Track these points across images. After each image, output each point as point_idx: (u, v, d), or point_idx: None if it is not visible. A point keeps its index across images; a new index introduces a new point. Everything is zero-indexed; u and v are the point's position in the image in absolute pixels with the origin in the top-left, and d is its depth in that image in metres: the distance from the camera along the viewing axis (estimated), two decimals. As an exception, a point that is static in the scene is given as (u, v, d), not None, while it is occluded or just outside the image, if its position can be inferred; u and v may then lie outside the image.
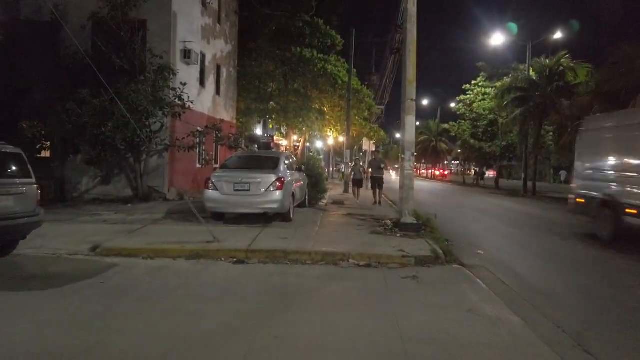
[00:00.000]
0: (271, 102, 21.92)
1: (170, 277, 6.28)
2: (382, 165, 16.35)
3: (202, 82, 17.83)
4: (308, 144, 30.98)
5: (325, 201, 15.23)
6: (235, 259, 7.29)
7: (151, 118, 12.96)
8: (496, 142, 34.02)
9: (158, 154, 14.52)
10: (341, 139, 25.38)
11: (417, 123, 76.19)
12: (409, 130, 10.02)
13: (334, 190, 22.18)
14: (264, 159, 10.99)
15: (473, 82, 36.28)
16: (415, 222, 9.57)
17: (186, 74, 15.60)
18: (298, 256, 7.34)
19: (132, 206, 13.09)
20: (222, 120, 15.54)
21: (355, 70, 23.38)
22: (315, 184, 14.39)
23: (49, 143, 14.28)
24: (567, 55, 26.51)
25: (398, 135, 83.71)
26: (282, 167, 10.39)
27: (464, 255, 8.04)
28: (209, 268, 6.84)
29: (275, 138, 29.13)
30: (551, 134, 30.09)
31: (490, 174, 49.20)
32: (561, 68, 26.64)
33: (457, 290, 5.91)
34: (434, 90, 62.08)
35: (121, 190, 14.69)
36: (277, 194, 9.66)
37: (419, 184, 42.71)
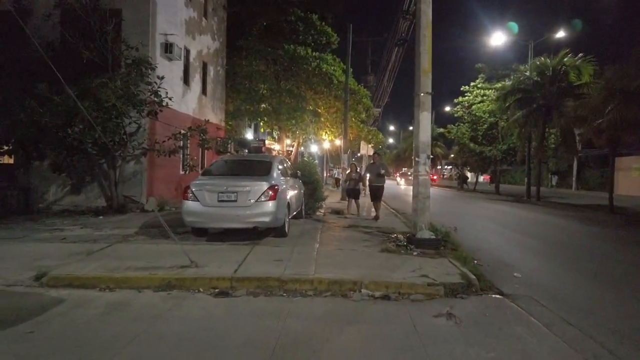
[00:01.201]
0: (262, 104, 20.39)
1: (129, 320, 4.71)
2: (383, 171, 12.77)
3: (186, 80, 16.29)
4: (302, 149, 29.48)
5: (322, 211, 13.72)
6: (217, 290, 5.75)
7: (124, 117, 11.37)
8: (497, 146, 32.74)
9: (135, 160, 12.93)
10: (337, 142, 23.92)
11: (411, 127, 74.82)
12: (424, 129, 8.55)
13: (331, 198, 20.69)
14: (254, 164, 9.44)
15: (472, 83, 35.03)
16: (434, 236, 8.09)
17: (168, 70, 14.05)
18: (297, 285, 5.81)
19: (104, 218, 11.46)
20: (207, 121, 13.94)
21: (351, 70, 22.00)
22: (313, 192, 12.88)
23: (11, 146, 12.62)
24: (569, 55, 25.38)
25: (391, 140, 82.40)
26: (275, 173, 8.86)
27: (498, 279, 6.57)
28: (183, 304, 5.28)
29: (267, 142, 27.63)
30: (553, 136, 28.93)
31: (483, 178, 47.83)
32: (564, 67, 25.48)
33: (511, 336, 4.41)
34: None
35: (93, 200, 13.06)
36: (270, 205, 8.12)
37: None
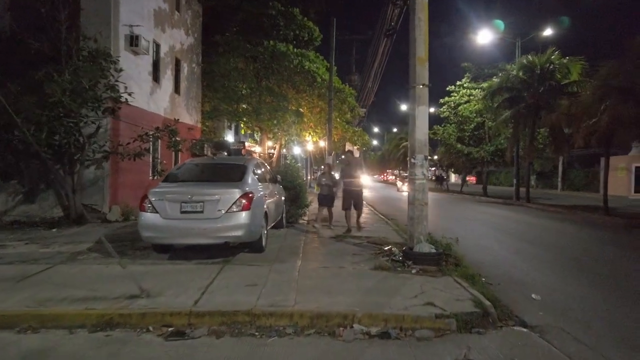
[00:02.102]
0: (242, 104, 19.14)
1: (40, 383, 3.47)
2: (358, 173, 10.63)
3: (156, 77, 14.96)
4: (284, 151, 28.25)
5: (306, 218, 12.54)
6: (170, 329, 4.54)
7: (80, 117, 10.02)
8: (484, 147, 32.01)
9: (96, 164, 11.57)
10: (322, 143, 22.77)
11: (395, 129, 73.91)
12: (420, 126, 7.46)
13: (315, 203, 19.54)
14: (226, 168, 8.20)
15: (458, 82, 34.27)
16: (434, 250, 6.98)
17: (133, 65, 12.74)
18: (272, 320, 4.63)
19: (58, 231, 10.09)
20: (177, 121, 12.62)
21: (335, 68, 20.91)
22: (295, 198, 11.70)
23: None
24: (556, 52, 24.79)
25: (375, 142, 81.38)
26: (249, 178, 7.65)
27: (515, 303, 5.50)
28: (123, 352, 4.05)
29: (247, 144, 26.35)
30: (541, 136, 28.31)
31: (469, 180, 47.24)
32: (552, 66, 24.85)
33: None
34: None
35: (49, 209, 11.64)
36: (243, 216, 6.90)
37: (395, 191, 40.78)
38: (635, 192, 32.64)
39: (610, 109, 16.60)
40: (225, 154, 18.20)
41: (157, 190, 7.09)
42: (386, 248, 8.02)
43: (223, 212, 6.83)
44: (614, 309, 5.58)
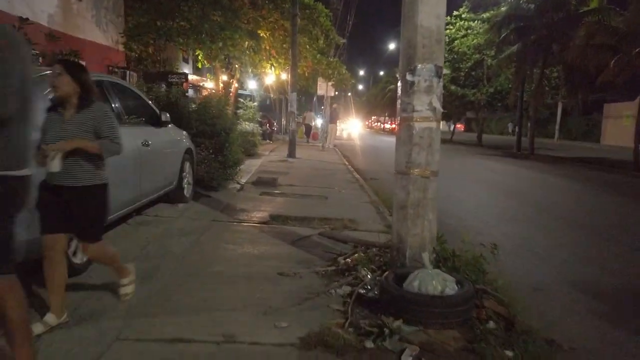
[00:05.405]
0: (178, 21, 14.33)
1: None
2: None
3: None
4: (249, 90, 23.57)
5: (243, 181, 8.38)
6: None
7: None
8: (481, 89, 27.79)
9: None
10: (284, 76, 18.25)
11: (382, 72, 68.52)
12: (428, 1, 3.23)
13: (275, 153, 15.38)
14: None
15: (454, 13, 29.30)
16: (453, 289, 2.95)
17: None
18: None
19: None
20: (26, 20, 7.75)
21: (304, -24, 16.05)
22: (220, 149, 7.47)
23: None
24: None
25: (361, 87, 75.18)
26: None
27: None
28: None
29: (195, 79, 21.62)
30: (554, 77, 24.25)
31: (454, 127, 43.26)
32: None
33: None
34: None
35: None
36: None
37: (382, 139, 36.34)
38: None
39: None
40: (163, 87, 13.08)
41: None
42: (349, 259, 3.97)
43: None
44: None
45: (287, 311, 3.05)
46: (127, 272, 3.13)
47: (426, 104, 3.37)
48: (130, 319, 2.85)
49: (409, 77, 3.38)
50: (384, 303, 3.01)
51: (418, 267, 3.19)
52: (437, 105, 3.39)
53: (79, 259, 3.48)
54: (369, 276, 3.45)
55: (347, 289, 3.42)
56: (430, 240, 3.43)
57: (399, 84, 3.52)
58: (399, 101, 3.53)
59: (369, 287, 3.31)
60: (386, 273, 3.25)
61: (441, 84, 3.45)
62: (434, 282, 2.91)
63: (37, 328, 2.54)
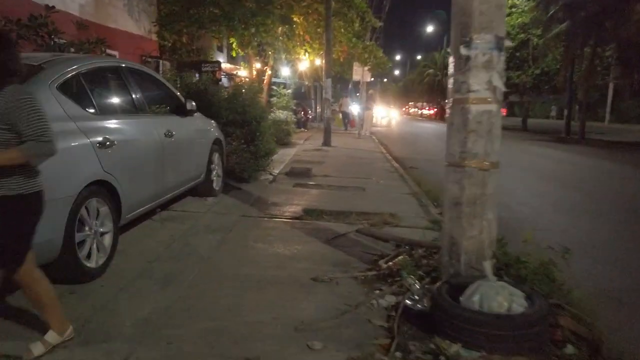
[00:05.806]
0: (210, 8, 14.07)
1: None
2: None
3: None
4: (283, 78, 23.17)
5: (276, 171, 8.00)
6: None
7: None
8: (526, 71, 26.33)
9: None
10: (318, 62, 17.64)
11: (419, 56, 66.60)
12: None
13: (309, 142, 14.94)
14: None
15: (498, -10, 27.78)
16: (523, 305, 2.44)
17: None
18: None
19: None
20: (52, 8, 7.54)
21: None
22: (251, 139, 7.11)
23: None
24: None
25: (397, 72, 72.94)
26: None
27: None
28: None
29: (229, 67, 21.41)
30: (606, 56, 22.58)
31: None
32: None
33: None
34: (438, 13, 51.55)
35: None
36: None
37: (420, 125, 35.23)
38: None
39: None
40: (197, 75, 12.98)
41: None
42: (392, 262, 3.49)
43: None
44: None
45: (322, 327, 2.62)
46: (63, 327, 2.31)
47: (484, 83, 2.83)
48: (143, 337, 2.50)
49: (463, 51, 2.84)
50: (436, 320, 2.53)
51: (476, 276, 2.69)
52: (498, 83, 2.84)
53: (93, 263, 3.17)
54: (416, 285, 2.96)
55: (392, 299, 2.96)
56: (490, 244, 2.91)
57: (451, 59, 2.98)
58: (450, 80, 3.00)
59: (417, 298, 2.83)
60: (438, 284, 2.75)
61: (503, 58, 2.89)
62: (499, 297, 2.40)
63: (37, 348, 2.21)
